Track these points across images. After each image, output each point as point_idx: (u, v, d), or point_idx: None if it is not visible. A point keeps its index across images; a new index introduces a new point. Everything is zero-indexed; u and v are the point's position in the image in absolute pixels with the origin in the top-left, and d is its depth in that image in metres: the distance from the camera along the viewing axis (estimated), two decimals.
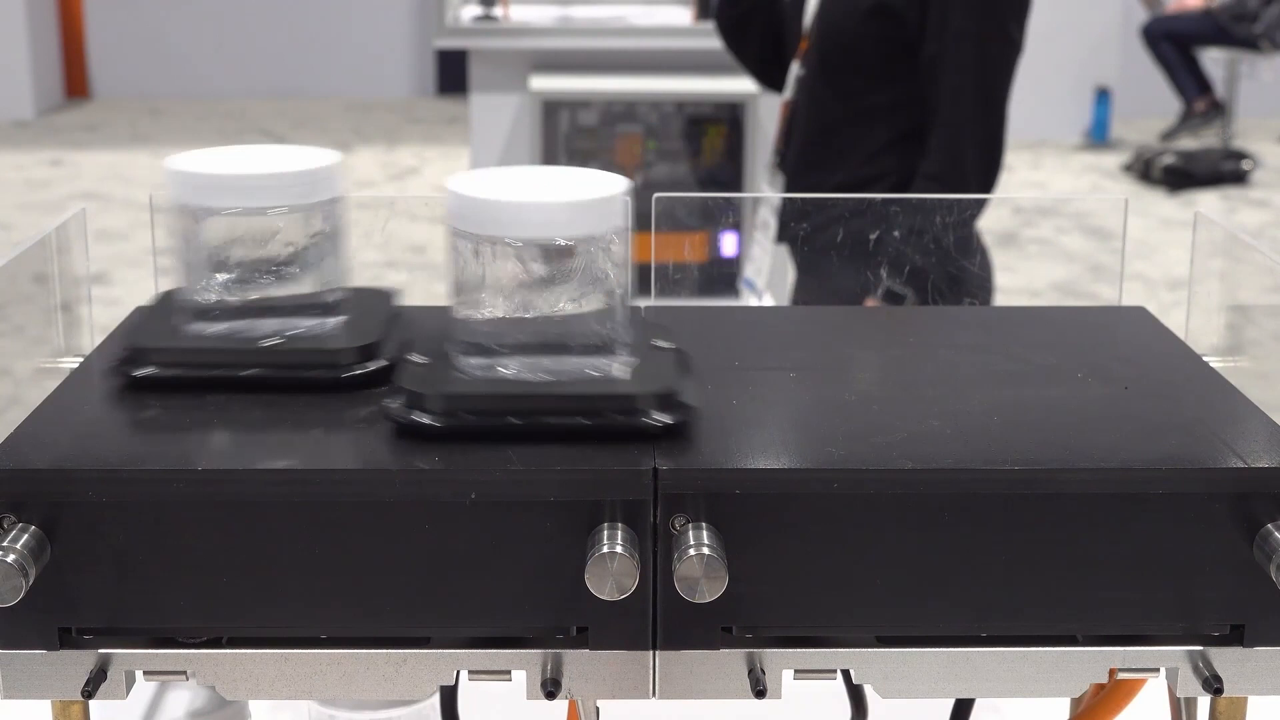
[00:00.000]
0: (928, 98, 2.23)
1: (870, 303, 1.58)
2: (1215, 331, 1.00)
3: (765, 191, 2.47)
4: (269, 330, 0.82)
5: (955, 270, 1.29)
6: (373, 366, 0.82)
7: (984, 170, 2.21)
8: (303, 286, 0.84)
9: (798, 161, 2.36)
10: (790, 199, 2.02)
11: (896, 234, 1.26)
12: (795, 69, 2.39)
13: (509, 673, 0.75)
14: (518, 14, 4.01)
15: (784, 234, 2.27)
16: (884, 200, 1.29)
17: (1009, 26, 2.23)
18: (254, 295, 0.83)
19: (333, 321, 0.85)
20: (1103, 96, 7.55)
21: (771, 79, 2.56)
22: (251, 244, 0.83)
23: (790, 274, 2.31)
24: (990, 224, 5.74)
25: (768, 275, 2.38)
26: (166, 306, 0.86)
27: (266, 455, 0.74)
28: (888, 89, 2.26)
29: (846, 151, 2.30)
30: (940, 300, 1.30)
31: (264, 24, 8.61)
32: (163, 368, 0.81)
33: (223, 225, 0.82)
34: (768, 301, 2.41)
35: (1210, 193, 6.55)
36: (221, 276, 0.83)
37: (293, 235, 0.84)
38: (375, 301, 0.89)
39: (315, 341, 0.83)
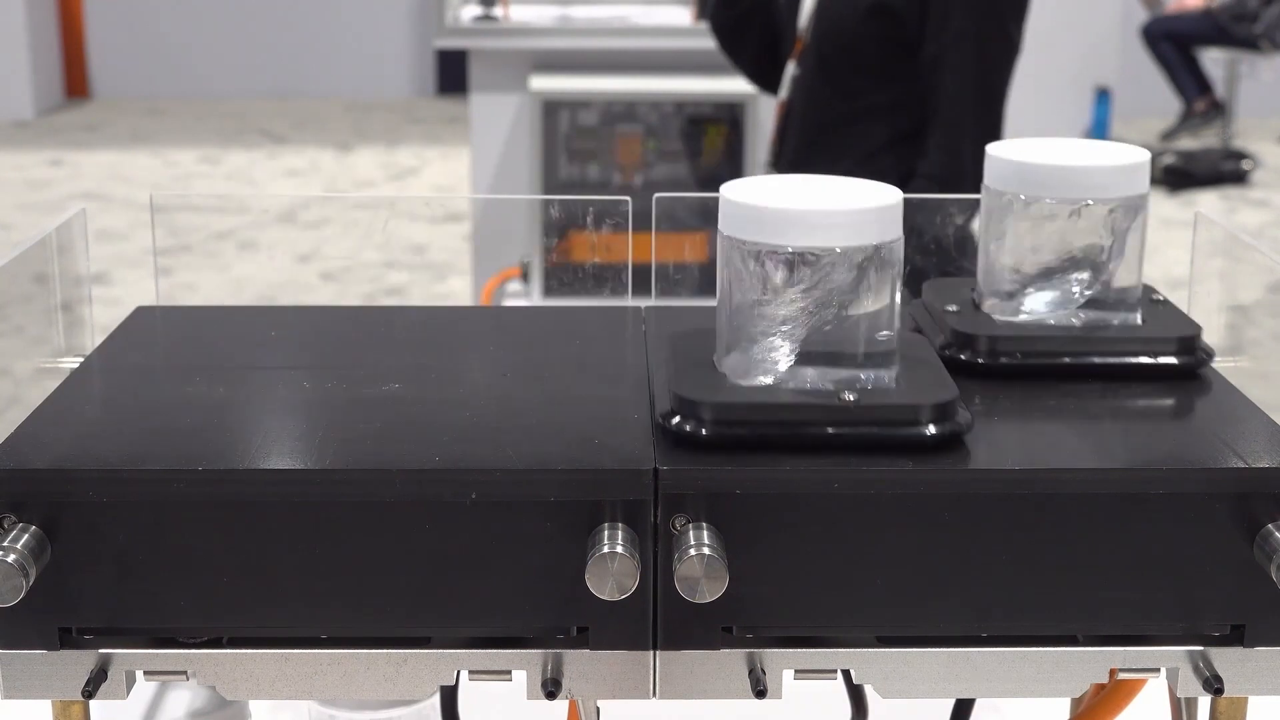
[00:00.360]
0: (926, 97, 2.23)
1: None
2: (1215, 331, 1.00)
3: None
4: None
5: (954, 271, 1.29)
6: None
7: (982, 170, 2.21)
8: None
9: (794, 161, 2.36)
10: None
11: None
12: (791, 69, 2.39)
13: (509, 673, 0.75)
14: (518, 14, 4.01)
15: None
16: None
17: (1009, 27, 2.23)
18: None
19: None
20: (1103, 96, 7.55)
21: (767, 81, 2.56)
22: None
23: None
24: None
25: None
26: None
27: (251, 451, 0.74)
28: (887, 88, 2.26)
29: (844, 150, 2.30)
30: None
31: (264, 24, 8.61)
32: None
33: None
34: None
35: (1210, 193, 6.55)
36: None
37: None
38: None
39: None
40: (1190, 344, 0.85)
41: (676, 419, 0.74)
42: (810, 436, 0.74)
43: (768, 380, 0.76)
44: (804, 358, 0.76)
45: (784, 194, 0.76)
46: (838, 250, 0.74)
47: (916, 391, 0.75)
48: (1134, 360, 0.84)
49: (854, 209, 0.75)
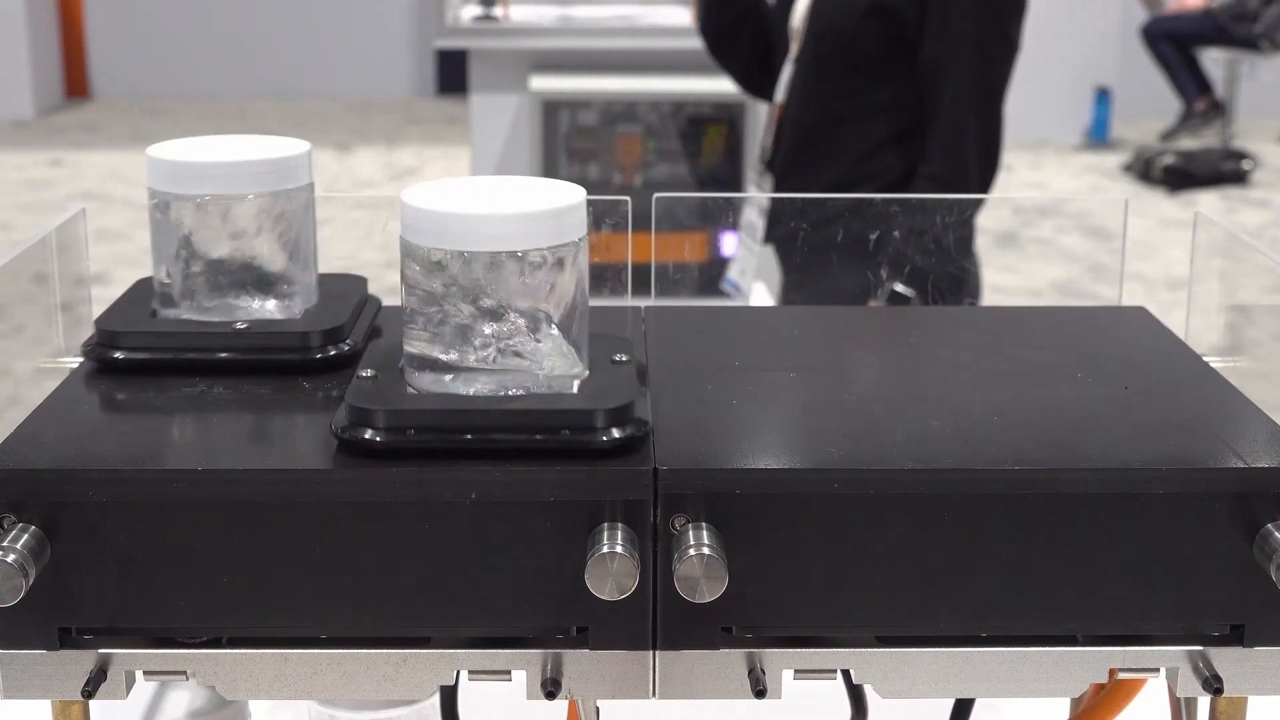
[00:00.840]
0: (925, 97, 2.23)
1: (873, 305, 1.58)
2: (1215, 331, 1.00)
3: (756, 193, 2.46)
4: (238, 315, 0.85)
5: (956, 270, 1.29)
6: (335, 351, 0.83)
7: (984, 170, 2.22)
8: (272, 270, 0.86)
9: (788, 161, 2.35)
10: (787, 199, 2.02)
11: (896, 234, 1.26)
12: (786, 70, 2.38)
13: (509, 673, 0.75)
14: (518, 14, 4.01)
15: (772, 234, 2.27)
16: (884, 200, 1.29)
17: (1008, 27, 2.23)
18: (224, 281, 0.85)
19: (301, 305, 0.86)
20: (1103, 96, 7.55)
21: (759, 88, 2.55)
22: (219, 231, 0.85)
23: (777, 276, 2.30)
24: (990, 224, 5.74)
25: (752, 277, 2.38)
26: (141, 293, 0.89)
27: (251, 451, 0.74)
28: (886, 87, 2.26)
29: (841, 150, 2.30)
30: (940, 300, 1.30)
31: (264, 24, 8.61)
32: (131, 352, 0.83)
33: (190, 211, 0.84)
34: (755, 303, 2.41)
35: (1210, 193, 6.55)
36: (192, 264, 0.85)
37: (260, 222, 0.85)
38: (347, 287, 0.91)
39: (283, 325, 0.85)
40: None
41: (348, 430, 0.73)
42: (486, 444, 0.72)
43: (451, 387, 0.75)
44: (480, 364, 0.75)
45: (460, 198, 0.75)
46: (519, 254, 0.74)
47: (596, 396, 0.74)
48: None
49: (532, 212, 0.74)
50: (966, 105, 2.19)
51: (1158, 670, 0.76)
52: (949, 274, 1.31)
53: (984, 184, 2.21)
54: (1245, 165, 6.76)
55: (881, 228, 1.26)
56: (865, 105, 2.28)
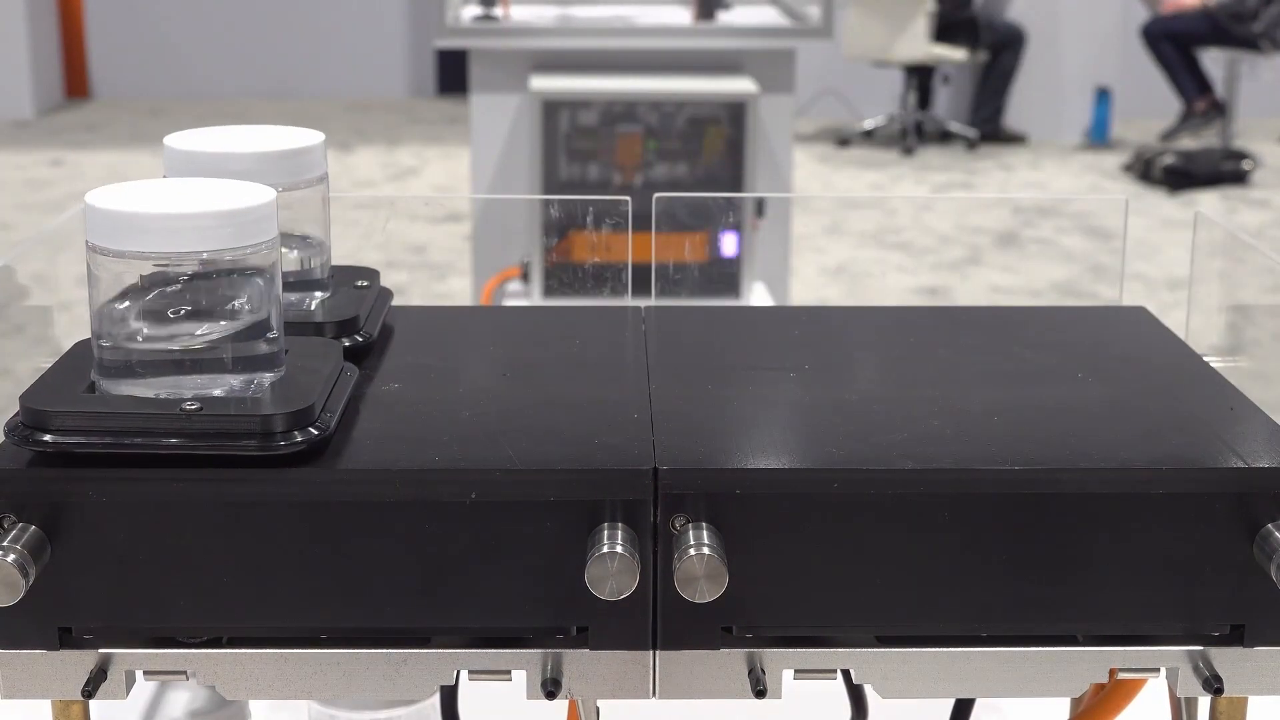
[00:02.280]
0: None
1: None
2: (1215, 331, 1.00)
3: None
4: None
5: None
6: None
7: None
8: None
9: None
10: None
11: None
12: None
13: (509, 673, 0.75)
14: (518, 14, 4.01)
15: None
16: None
17: None
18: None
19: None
20: (1103, 96, 7.55)
21: None
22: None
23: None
24: (990, 224, 5.74)
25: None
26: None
27: None
28: None
29: None
30: None
31: (264, 24, 8.61)
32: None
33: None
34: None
35: (1210, 193, 6.55)
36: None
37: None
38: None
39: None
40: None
41: (22, 430, 0.71)
42: (149, 447, 0.71)
43: (135, 390, 0.73)
44: (165, 366, 0.73)
45: (146, 199, 0.73)
46: (204, 255, 0.72)
47: (275, 401, 0.73)
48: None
49: (215, 211, 0.72)
50: None
51: (1158, 670, 0.76)
52: None
53: None
54: (1245, 165, 6.76)
55: None
56: None
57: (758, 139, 3.73)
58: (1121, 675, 0.76)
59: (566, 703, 0.79)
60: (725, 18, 3.84)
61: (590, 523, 0.71)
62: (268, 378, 0.75)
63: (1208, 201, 6.38)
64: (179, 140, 0.86)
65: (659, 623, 0.73)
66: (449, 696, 0.82)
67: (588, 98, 3.77)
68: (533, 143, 3.74)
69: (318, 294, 0.88)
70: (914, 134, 7.36)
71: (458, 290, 4.61)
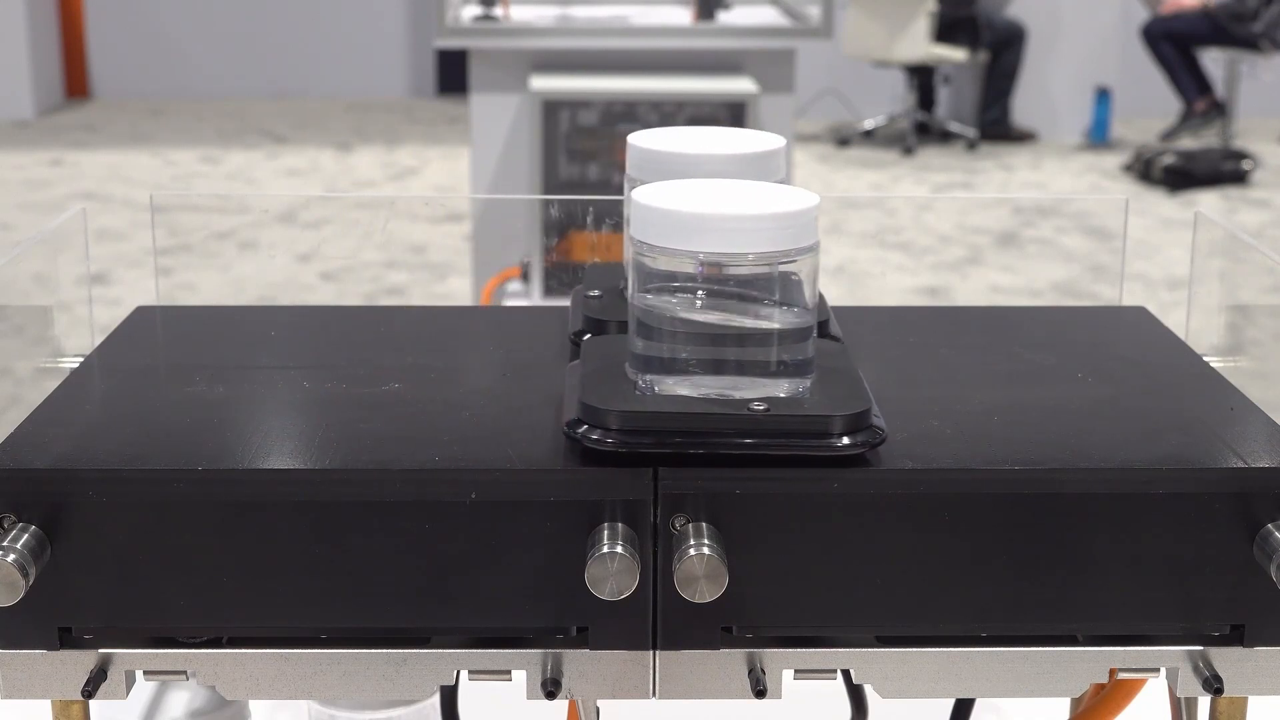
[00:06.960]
0: None
1: None
2: (1215, 331, 1.00)
3: None
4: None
5: None
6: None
7: None
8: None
9: None
10: None
11: None
12: None
13: (509, 673, 0.75)
14: (518, 14, 4.01)
15: None
16: None
17: None
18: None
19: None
20: (1103, 96, 7.55)
21: None
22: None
23: None
24: (990, 224, 5.74)
25: None
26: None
27: (251, 451, 0.74)
28: None
29: None
30: None
31: (264, 24, 8.61)
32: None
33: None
34: None
35: (1210, 193, 6.55)
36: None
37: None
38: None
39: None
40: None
41: (583, 428, 0.72)
42: (719, 447, 0.72)
43: (680, 389, 0.74)
44: (716, 366, 0.74)
45: (697, 198, 0.74)
46: (750, 256, 0.73)
47: (830, 403, 0.74)
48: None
49: (768, 214, 0.73)
50: None
51: (1158, 670, 0.76)
52: None
53: None
54: (1245, 165, 6.76)
55: None
56: None
57: None
58: (1121, 675, 0.76)
59: (566, 703, 0.79)
60: (725, 18, 3.84)
61: (590, 523, 0.71)
62: (805, 382, 0.75)
63: (1208, 201, 6.38)
64: (642, 139, 0.86)
65: (659, 623, 0.73)
66: (449, 696, 0.82)
67: (588, 98, 3.77)
68: (533, 143, 3.74)
69: None
70: (914, 134, 7.36)
71: (458, 290, 4.61)
